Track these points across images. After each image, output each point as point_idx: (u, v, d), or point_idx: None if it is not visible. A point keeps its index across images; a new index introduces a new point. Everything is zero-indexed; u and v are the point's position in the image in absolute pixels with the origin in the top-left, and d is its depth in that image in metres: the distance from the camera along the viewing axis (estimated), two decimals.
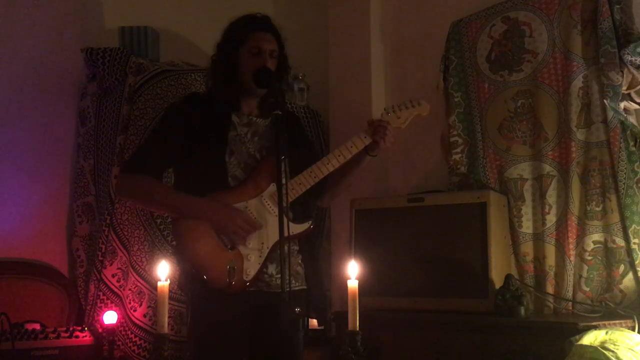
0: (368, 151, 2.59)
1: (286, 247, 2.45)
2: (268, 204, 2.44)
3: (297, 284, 2.51)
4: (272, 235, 2.41)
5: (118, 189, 2.75)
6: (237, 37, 2.53)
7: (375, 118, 2.62)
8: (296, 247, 2.54)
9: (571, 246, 2.70)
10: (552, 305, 2.75)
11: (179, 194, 2.47)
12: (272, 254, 2.43)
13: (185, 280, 2.49)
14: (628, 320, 2.46)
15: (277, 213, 2.36)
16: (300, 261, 2.55)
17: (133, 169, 2.51)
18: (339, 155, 2.51)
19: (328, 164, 2.50)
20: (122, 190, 2.67)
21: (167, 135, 2.50)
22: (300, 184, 2.46)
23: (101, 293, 3.21)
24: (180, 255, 2.46)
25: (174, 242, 2.67)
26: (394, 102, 3.39)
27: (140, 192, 2.49)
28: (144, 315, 3.14)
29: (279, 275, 2.32)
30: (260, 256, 2.41)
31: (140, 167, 2.48)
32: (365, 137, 2.55)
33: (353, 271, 2.04)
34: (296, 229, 2.41)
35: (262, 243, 2.41)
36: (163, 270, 2.05)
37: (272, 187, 2.42)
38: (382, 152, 2.60)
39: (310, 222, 2.49)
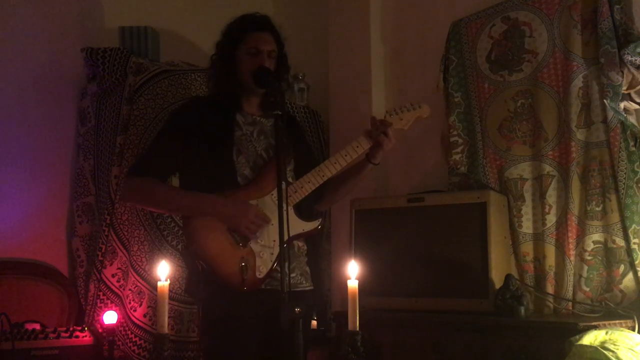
0: (370, 159, 2.59)
1: (296, 246, 2.46)
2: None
3: (307, 284, 2.52)
4: None
5: (123, 194, 2.73)
6: (236, 37, 2.53)
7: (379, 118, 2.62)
8: (305, 247, 2.54)
9: (571, 246, 2.69)
10: (552, 305, 2.74)
11: (187, 192, 2.48)
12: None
13: (197, 280, 2.45)
14: (628, 320, 2.46)
15: (286, 211, 2.36)
16: (306, 262, 2.56)
17: (136, 173, 2.51)
18: (346, 155, 2.53)
19: (336, 163, 2.53)
20: (126, 194, 2.67)
21: (170, 139, 2.50)
22: (308, 182, 2.48)
23: (101, 293, 3.21)
24: (192, 255, 2.44)
25: (185, 242, 2.65)
26: (393, 102, 3.42)
27: (145, 194, 2.49)
28: (144, 315, 3.14)
29: (293, 274, 2.36)
30: (272, 253, 2.41)
31: (143, 170, 2.48)
32: (370, 137, 2.56)
33: (353, 271, 2.04)
34: (307, 226, 2.43)
35: (274, 240, 2.41)
36: (163, 270, 2.05)
37: (282, 186, 2.42)
38: (383, 156, 2.61)
39: (320, 220, 2.51)
